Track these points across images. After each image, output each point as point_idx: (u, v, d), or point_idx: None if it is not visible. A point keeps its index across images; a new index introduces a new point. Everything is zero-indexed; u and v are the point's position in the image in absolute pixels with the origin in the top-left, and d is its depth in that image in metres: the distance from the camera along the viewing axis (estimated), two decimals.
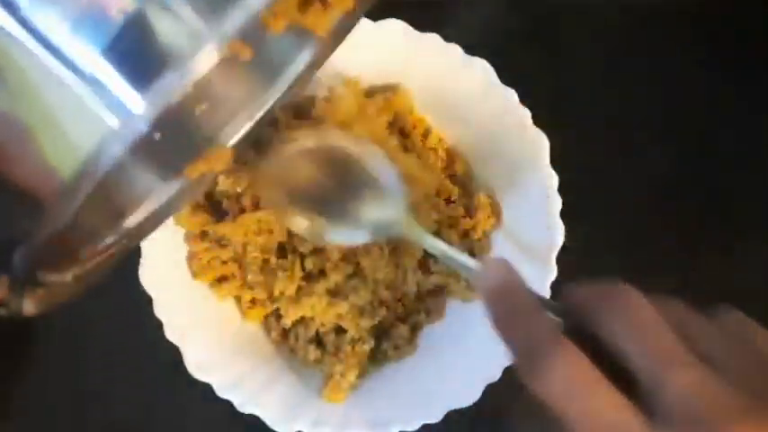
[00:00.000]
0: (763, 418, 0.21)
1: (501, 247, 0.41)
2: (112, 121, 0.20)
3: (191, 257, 0.40)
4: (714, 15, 0.47)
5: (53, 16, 0.20)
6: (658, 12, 0.47)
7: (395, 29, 0.39)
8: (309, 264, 0.40)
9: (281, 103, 0.34)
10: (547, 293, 0.38)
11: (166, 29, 0.20)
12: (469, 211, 0.42)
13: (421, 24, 0.39)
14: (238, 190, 0.40)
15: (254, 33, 0.22)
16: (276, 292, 0.40)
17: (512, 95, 0.39)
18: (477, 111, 0.40)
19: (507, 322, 0.25)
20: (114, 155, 0.20)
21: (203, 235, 0.40)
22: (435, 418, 0.39)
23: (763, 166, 0.46)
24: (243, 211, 0.40)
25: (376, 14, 0.38)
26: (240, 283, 0.41)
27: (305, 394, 0.40)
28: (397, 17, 0.39)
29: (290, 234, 0.40)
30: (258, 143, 0.36)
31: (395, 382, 0.41)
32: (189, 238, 0.40)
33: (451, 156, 0.42)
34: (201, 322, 0.40)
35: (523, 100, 0.39)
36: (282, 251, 0.41)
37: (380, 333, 0.42)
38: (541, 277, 0.38)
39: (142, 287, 0.38)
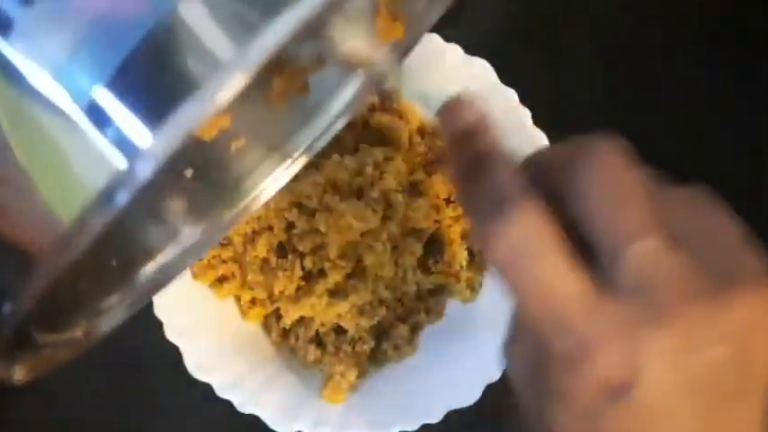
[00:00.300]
0: (717, 306, 0.19)
1: None
2: (117, 161, 0.17)
3: None
4: (714, 15, 0.47)
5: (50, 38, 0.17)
6: (658, 12, 0.47)
7: None
8: (309, 263, 0.40)
9: (319, 146, 0.31)
10: None
11: (184, 50, 0.17)
12: None
13: None
14: None
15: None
16: (276, 292, 0.40)
17: (512, 95, 0.39)
18: None
19: (470, 171, 0.22)
20: (119, 199, 0.17)
21: None
22: (435, 418, 0.39)
23: (763, 167, 0.46)
24: None
25: None
26: (240, 283, 0.41)
27: (305, 394, 0.40)
28: None
29: (290, 233, 0.40)
30: None
31: (395, 382, 0.41)
32: None
33: None
34: (201, 322, 0.40)
35: (523, 100, 0.39)
36: (282, 250, 0.41)
37: (380, 333, 0.42)
38: None
39: None
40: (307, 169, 0.34)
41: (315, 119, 0.31)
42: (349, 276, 0.41)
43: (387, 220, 0.40)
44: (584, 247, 0.21)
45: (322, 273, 0.41)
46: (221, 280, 0.41)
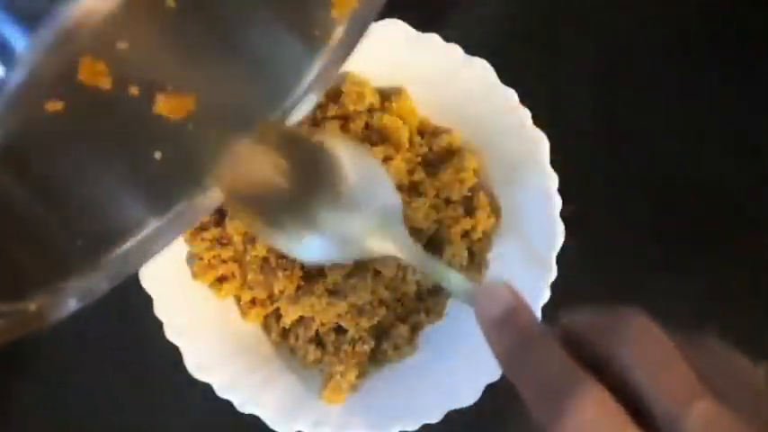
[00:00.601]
0: None
1: (501, 247, 0.41)
2: None
3: (191, 258, 0.41)
4: (714, 15, 0.47)
5: None
6: (658, 12, 0.47)
7: (395, 29, 0.39)
8: None
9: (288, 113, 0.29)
10: (547, 294, 0.38)
11: None
12: (469, 211, 0.42)
13: (421, 24, 0.39)
14: None
15: None
16: (276, 292, 0.40)
17: (512, 95, 0.39)
18: (477, 111, 0.40)
19: (516, 357, 0.23)
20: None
21: (204, 235, 0.40)
22: (435, 418, 0.39)
23: (763, 167, 0.46)
24: None
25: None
26: (240, 283, 0.41)
27: (305, 394, 0.40)
28: (397, 17, 0.39)
29: None
30: None
31: (395, 382, 0.41)
32: (189, 238, 0.40)
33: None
34: (201, 322, 0.40)
35: (523, 100, 0.39)
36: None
37: (380, 333, 0.42)
38: (541, 277, 0.38)
39: (142, 287, 0.38)
40: None
41: (279, 96, 0.29)
42: (348, 276, 0.41)
43: None
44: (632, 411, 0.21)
45: (321, 272, 0.41)
46: (221, 280, 0.41)
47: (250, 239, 0.40)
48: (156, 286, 0.38)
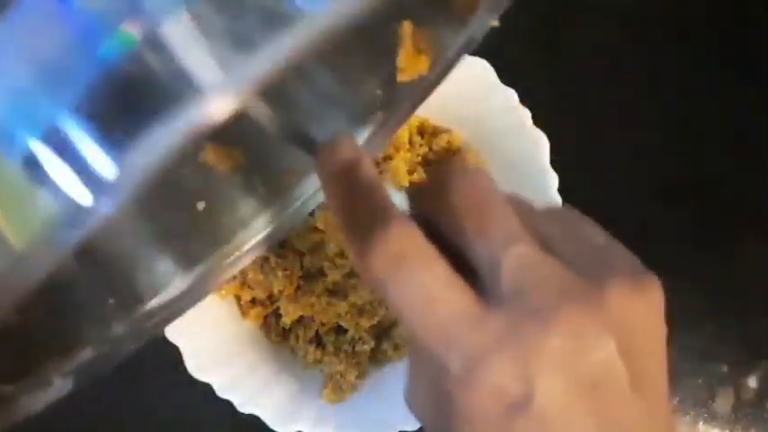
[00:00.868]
0: (594, 303, 0.19)
1: None
2: (75, 194, 0.14)
3: None
4: (714, 15, 0.47)
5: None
6: (658, 12, 0.47)
7: None
8: (308, 262, 0.40)
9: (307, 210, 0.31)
10: None
11: (161, 72, 0.14)
12: None
13: None
14: None
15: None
16: (275, 292, 0.40)
17: (512, 95, 0.39)
18: (477, 111, 0.40)
19: (345, 201, 0.22)
20: (69, 238, 0.14)
21: None
22: None
23: (763, 166, 0.46)
24: None
25: None
26: (240, 283, 0.41)
27: (305, 394, 0.40)
28: None
29: (289, 232, 0.40)
30: None
31: (395, 382, 0.41)
32: None
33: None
34: (201, 322, 0.40)
35: (523, 100, 0.39)
36: (281, 249, 0.41)
37: (380, 333, 0.42)
38: None
39: None
40: None
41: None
42: (348, 276, 0.41)
43: None
44: (460, 266, 0.21)
45: (321, 272, 0.41)
46: None
47: None
48: None
